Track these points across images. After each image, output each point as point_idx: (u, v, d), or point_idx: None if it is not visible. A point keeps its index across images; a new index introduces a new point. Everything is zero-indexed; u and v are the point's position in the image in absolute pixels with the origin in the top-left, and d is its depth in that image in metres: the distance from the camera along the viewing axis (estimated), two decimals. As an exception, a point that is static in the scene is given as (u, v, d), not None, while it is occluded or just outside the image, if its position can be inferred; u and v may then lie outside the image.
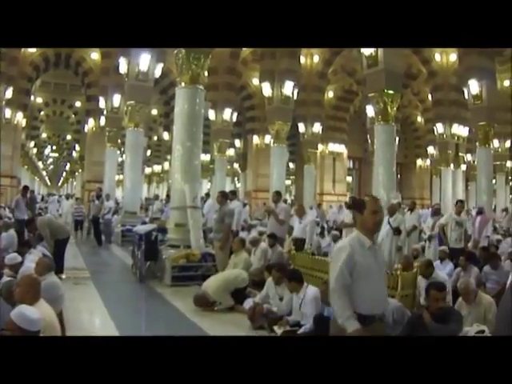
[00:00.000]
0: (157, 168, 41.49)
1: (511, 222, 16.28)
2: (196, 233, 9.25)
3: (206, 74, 10.22)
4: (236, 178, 34.52)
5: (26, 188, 13.22)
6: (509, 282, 5.86)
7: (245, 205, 15.24)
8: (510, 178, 28.07)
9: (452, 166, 21.26)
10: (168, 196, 15.64)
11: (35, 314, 2.91)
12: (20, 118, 21.93)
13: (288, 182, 29.95)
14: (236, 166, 31.65)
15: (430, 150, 25.82)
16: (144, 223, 12.59)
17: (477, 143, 15.80)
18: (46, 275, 4.81)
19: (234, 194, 12.38)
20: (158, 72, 15.99)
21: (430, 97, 22.86)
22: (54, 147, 49.12)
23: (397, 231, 8.15)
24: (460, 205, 9.86)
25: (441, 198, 21.01)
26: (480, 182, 15.69)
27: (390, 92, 11.62)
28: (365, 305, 3.03)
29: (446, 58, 20.83)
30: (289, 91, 17.50)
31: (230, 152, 25.58)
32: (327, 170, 26.39)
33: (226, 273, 7.38)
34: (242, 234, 10.73)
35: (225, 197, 8.90)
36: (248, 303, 6.49)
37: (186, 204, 9.39)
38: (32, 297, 3.53)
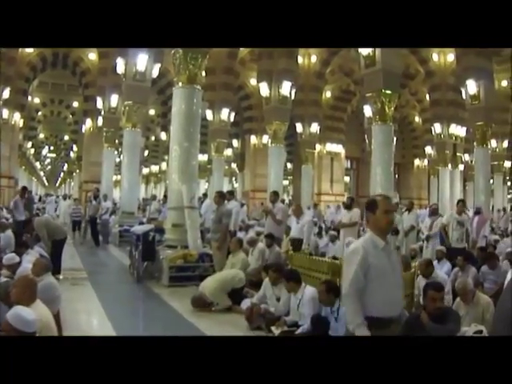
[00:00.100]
0: (154, 168, 41.44)
1: (508, 222, 16.29)
2: (193, 233, 9.25)
3: (204, 73, 10.22)
4: (234, 178, 34.51)
5: (24, 189, 13.21)
6: (506, 282, 5.86)
7: (242, 205, 15.20)
8: (507, 178, 28.13)
9: (450, 166, 21.29)
10: (165, 196, 15.58)
11: (31, 315, 2.90)
12: (17, 119, 21.86)
13: (286, 182, 29.94)
14: (234, 166, 31.65)
15: (428, 150, 25.84)
16: (141, 223, 12.58)
17: (474, 143, 15.81)
18: (43, 276, 4.79)
19: (231, 194, 12.37)
20: (155, 72, 15.97)
21: (427, 97, 22.86)
22: (52, 148, 49.04)
23: (394, 231, 8.16)
24: (461, 204, 9.86)
25: (438, 198, 21.05)
26: (478, 182, 15.70)
27: (388, 92, 11.63)
28: (380, 307, 2.98)
29: (444, 58, 20.87)
30: (286, 91, 17.48)
31: (228, 152, 25.59)
32: (325, 170, 26.39)
33: (223, 273, 7.38)
34: (240, 235, 10.73)
35: (222, 197, 8.90)
36: (245, 304, 6.48)
37: (184, 204, 9.38)
38: (28, 298, 3.52)
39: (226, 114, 20.87)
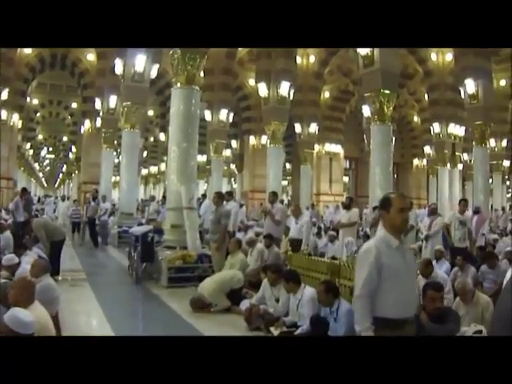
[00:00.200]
0: (153, 169, 41.38)
1: (508, 222, 16.30)
2: (192, 234, 9.24)
3: (202, 74, 10.23)
4: (233, 179, 34.49)
5: (24, 190, 13.21)
6: (505, 282, 5.86)
7: (241, 205, 15.21)
8: (506, 177, 28.13)
9: (449, 165, 21.28)
10: (164, 197, 15.58)
11: (28, 317, 2.89)
12: (16, 120, 21.82)
13: (284, 183, 29.95)
14: (232, 166, 31.61)
15: (427, 149, 25.84)
16: (140, 224, 12.58)
17: (473, 142, 15.82)
18: (41, 277, 4.78)
19: (230, 194, 12.37)
20: (153, 73, 15.97)
21: (426, 96, 22.86)
22: (51, 149, 48.98)
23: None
24: (464, 204, 9.84)
25: (437, 198, 21.02)
26: (477, 182, 15.70)
27: (386, 92, 11.65)
28: (394, 308, 2.90)
29: (442, 57, 20.87)
30: (285, 91, 17.50)
31: (227, 153, 25.55)
32: (324, 170, 26.39)
33: (222, 274, 7.36)
34: (239, 235, 10.71)
35: (221, 198, 8.89)
36: (244, 304, 6.47)
37: (182, 205, 9.37)
38: (26, 299, 3.50)
39: (224, 115, 20.87)
